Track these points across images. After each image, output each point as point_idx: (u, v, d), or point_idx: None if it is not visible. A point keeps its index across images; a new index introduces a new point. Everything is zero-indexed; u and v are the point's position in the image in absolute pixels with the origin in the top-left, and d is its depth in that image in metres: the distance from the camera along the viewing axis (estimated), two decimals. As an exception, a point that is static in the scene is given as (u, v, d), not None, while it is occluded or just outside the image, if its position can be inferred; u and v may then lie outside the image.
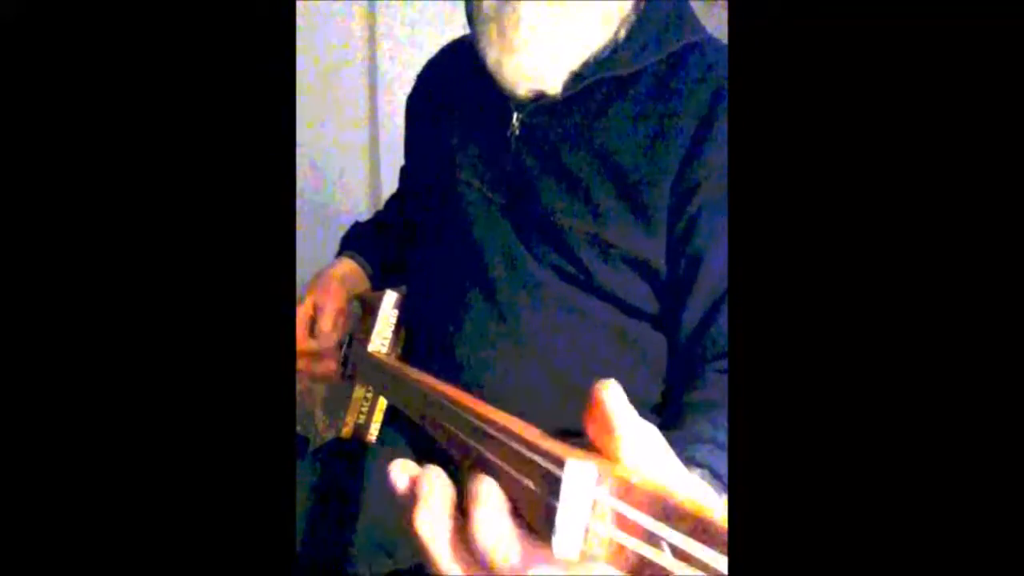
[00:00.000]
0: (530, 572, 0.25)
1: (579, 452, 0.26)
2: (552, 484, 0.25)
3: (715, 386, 0.59)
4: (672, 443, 0.28)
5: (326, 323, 0.80)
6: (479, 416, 0.32)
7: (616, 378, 0.27)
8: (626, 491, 0.24)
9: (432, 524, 0.29)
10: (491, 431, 0.30)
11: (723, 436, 0.49)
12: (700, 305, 0.63)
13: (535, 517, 0.26)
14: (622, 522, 0.23)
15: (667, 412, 0.65)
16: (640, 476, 0.24)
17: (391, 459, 0.32)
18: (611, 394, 0.27)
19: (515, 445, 0.28)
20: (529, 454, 0.27)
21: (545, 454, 0.26)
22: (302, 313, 0.81)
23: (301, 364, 0.82)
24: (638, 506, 0.23)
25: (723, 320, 0.61)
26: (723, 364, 0.61)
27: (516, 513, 0.28)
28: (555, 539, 0.24)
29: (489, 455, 0.30)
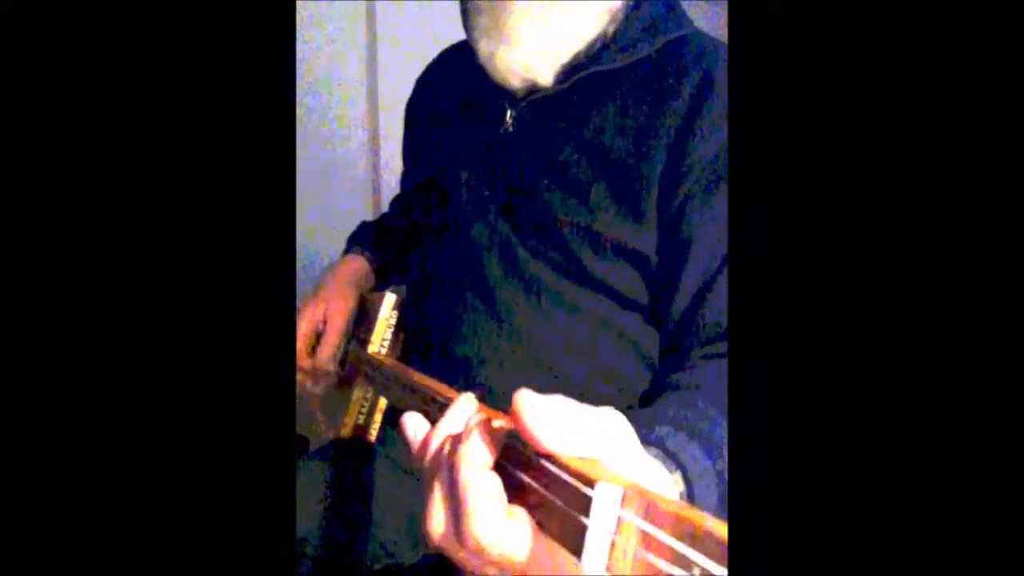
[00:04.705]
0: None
1: (605, 472, 0.27)
2: (582, 502, 0.26)
3: (696, 370, 0.59)
4: (636, 423, 0.28)
5: (329, 347, 0.80)
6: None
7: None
8: (652, 512, 0.24)
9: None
10: (529, 453, 0.31)
11: (689, 416, 0.48)
12: (688, 291, 0.63)
13: (563, 533, 0.27)
14: (648, 542, 0.24)
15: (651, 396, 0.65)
16: (667, 499, 0.24)
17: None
18: (526, 403, 0.28)
19: (546, 464, 0.29)
20: (559, 472, 0.28)
21: (576, 474, 0.27)
22: (309, 320, 0.81)
23: (298, 379, 0.82)
24: (663, 527, 0.23)
25: (710, 306, 0.62)
26: (709, 350, 0.61)
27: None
28: (584, 555, 0.25)
29: (522, 475, 0.31)
